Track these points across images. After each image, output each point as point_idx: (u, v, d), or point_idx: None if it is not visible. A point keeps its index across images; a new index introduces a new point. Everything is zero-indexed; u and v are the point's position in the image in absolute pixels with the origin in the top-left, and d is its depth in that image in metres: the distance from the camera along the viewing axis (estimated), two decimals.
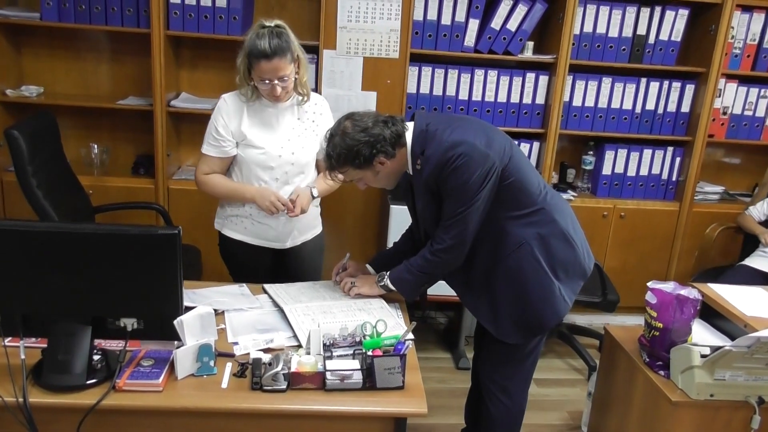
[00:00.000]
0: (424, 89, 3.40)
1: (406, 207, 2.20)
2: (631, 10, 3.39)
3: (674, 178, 3.67)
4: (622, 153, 3.60)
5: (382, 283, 2.11)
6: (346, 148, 1.91)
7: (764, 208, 3.37)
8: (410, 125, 1.98)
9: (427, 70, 3.37)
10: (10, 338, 1.71)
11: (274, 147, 2.28)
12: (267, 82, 2.16)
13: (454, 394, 2.88)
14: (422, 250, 2.03)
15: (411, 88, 3.37)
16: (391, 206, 3.06)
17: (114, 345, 1.76)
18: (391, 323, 1.92)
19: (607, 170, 3.63)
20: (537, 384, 3.13)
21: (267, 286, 2.21)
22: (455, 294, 2.15)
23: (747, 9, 3.45)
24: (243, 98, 2.27)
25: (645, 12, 3.41)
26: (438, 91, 3.41)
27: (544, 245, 1.98)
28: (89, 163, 3.38)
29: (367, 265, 2.26)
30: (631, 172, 3.64)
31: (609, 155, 3.60)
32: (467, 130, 1.91)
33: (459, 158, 1.85)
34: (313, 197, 2.36)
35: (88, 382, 1.62)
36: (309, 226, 2.49)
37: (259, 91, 2.23)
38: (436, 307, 3.73)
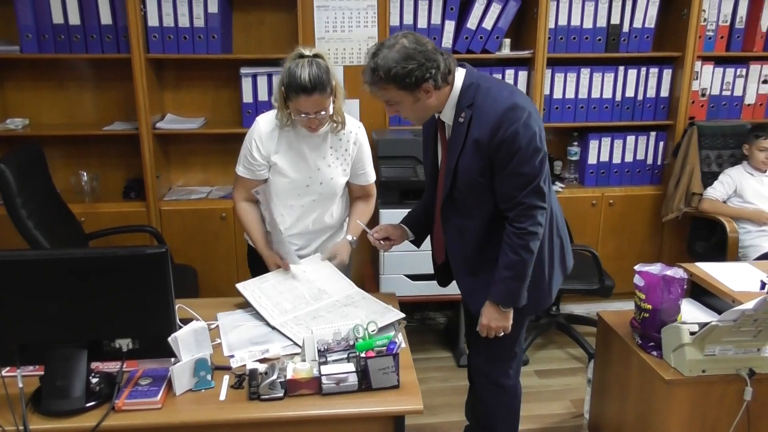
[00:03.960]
0: None
1: (396, 211, 2.14)
2: (603, 1, 3.43)
3: (659, 162, 3.71)
4: (606, 141, 3.64)
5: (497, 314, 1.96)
6: (400, 65, 1.78)
7: (725, 188, 3.37)
8: (460, 71, 1.91)
9: None
10: (7, 368, 1.73)
11: (302, 176, 2.24)
12: (304, 116, 2.09)
13: (457, 392, 2.90)
14: (503, 247, 1.88)
15: None
16: (381, 210, 3.07)
17: (111, 366, 1.79)
18: (379, 311, 1.98)
19: (592, 159, 3.66)
20: (538, 375, 3.15)
21: (241, 288, 2.14)
22: (457, 291, 2.13)
23: None
24: (278, 122, 2.20)
25: (617, 1, 3.45)
26: None
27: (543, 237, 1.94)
28: (79, 191, 3.40)
29: (403, 225, 2.22)
30: (617, 160, 3.67)
31: (593, 145, 3.64)
32: (520, 96, 1.87)
33: (517, 121, 1.78)
34: (352, 246, 2.33)
35: (88, 405, 1.64)
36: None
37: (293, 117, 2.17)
38: (436, 308, 3.75)
